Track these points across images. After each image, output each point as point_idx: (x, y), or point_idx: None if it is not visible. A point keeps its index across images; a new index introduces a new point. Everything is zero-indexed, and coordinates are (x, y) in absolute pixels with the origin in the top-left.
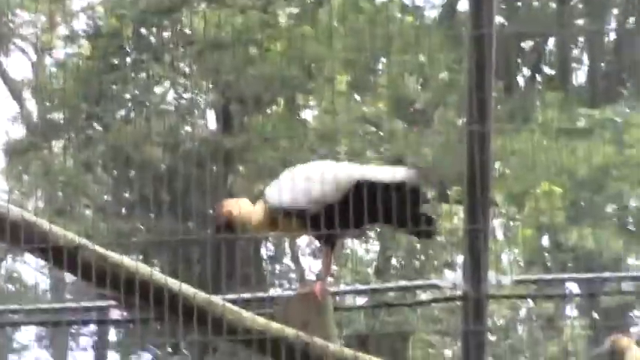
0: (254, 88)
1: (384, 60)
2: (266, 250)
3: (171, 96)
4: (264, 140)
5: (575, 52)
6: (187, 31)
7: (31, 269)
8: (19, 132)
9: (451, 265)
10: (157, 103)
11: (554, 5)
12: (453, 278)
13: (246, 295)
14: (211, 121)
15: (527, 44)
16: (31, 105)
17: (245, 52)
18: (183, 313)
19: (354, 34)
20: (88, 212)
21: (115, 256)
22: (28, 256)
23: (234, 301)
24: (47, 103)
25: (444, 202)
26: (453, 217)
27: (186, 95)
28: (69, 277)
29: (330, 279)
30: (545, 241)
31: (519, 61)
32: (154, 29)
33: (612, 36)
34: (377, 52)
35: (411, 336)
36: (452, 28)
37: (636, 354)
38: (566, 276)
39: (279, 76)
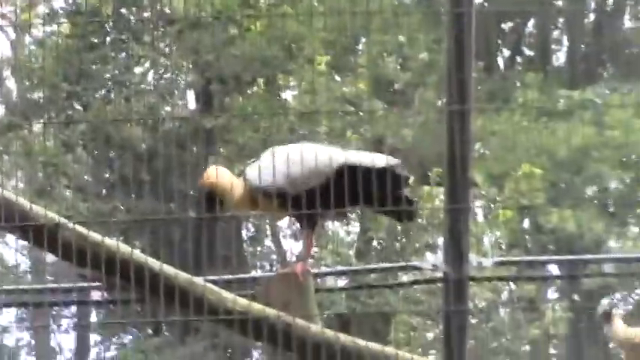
0: (234, 68)
1: (364, 40)
2: (246, 231)
3: (151, 76)
4: (244, 120)
5: (555, 33)
6: (167, 10)
7: (11, 250)
8: None
9: (432, 247)
10: (136, 83)
11: None
12: (433, 260)
13: (228, 277)
14: (191, 101)
15: (507, 25)
16: (11, 84)
17: (225, 31)
18: (164, 294)
19: (333, 14)
20: (68, 193)
21: (95, 235)
22: (9, 237)
23: (215, 282)
24: (27, 82)
25: (424, 183)
26: (434, 199)
27: (166, 75)
28: (49, 259)
29: (310, 260)
30: (526, 223)
31: (499, 42)
32: (134, 9)
33: (592, 17)
34: (357, 32)
35: (392, 318)
36: (431, 7)
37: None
38: (547, 258)
39: (259, 56)
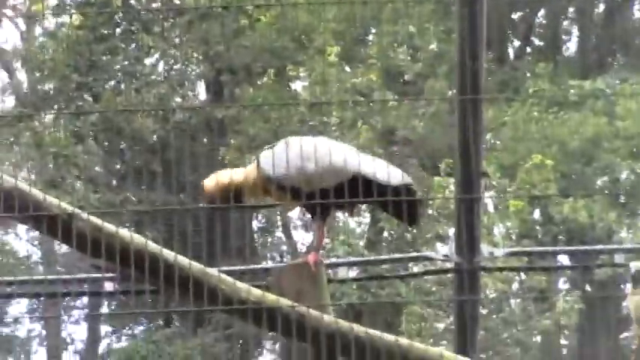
0: (244, 59)
1: (374, 31)
2: (257, 222)
3: (161, 67)
4: (254, 111)
5: (565, 23)
6: (177, 1)
7: (23, 241)
8: (8, 102)
9: (442, 238)
10: (147, 74)
11: None
12: (445, 250)
13: (241, 267)
14: (202, 92)
15: (517, 15)
16: (21, 75)
17: (235, 22)
18: (178, 284)
19: (344, 4)
20: (78, 184)
21: (109, 226)
22: (20, 228)
23: (229, 273)
24: (37, 74)
25: (434, 174)
26: (445, 190)
27: (176, 66)
28: (60, 250)
29: (322, 251)
30: (537, 213)
31: (509, 32)
32: (144, 0)
33: (602, 7)
34: (367, 23)
35: (403, 309)
36: None
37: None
38: (558, 248)
39: (270, 47)
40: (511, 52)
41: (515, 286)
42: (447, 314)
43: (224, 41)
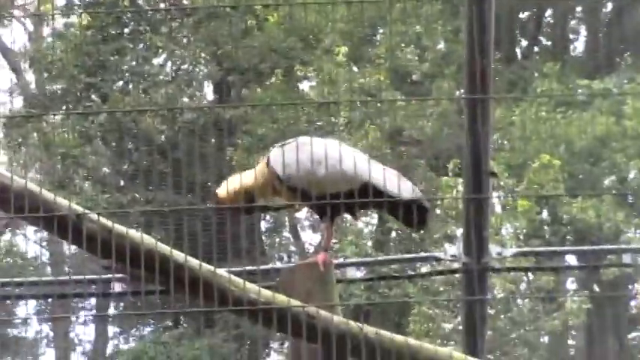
0: (252, 59)
1: (381, 31)
2: (265, 222)
3: (169, 67)
4: (262, 111)
5: (573, 22)
6: (185, 1)
7: (31, 242)
8: (16, 103)
9: (450, 238)
10: (154, 74)
11: None
12: (453, 250)
13: (250, 268)
14: (209, 92)
15: (525, 14)
16: (29, 76)
17: (243, 22)
18: (188, 285)
19: (352, 5)
20: (87, 184)
21: (119, 226)
22: (28, 229)
23: (237, 274)
24: (45, 74)
25: (442, 174)
26: (452, 190)
27: (184, 66)
28: (68, 251)
29: (330, 251)
30: (545, 213)
31: (517, 31)
32: (151, 0)
33: (610, 6)
34: (375, 22)
35: (410, 309)
36: None
37: None
38: (565, 248)
39: (277, 47)
40: (519, 51)
41: (522, 286)
42: (454, 314)
43: (232, 41)
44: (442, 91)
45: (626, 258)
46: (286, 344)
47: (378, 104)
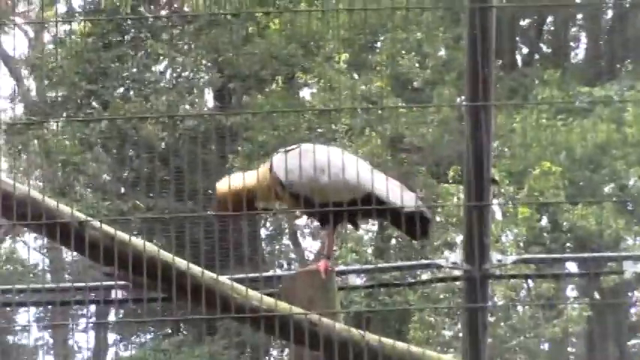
0: (253, 66)
1: (382, 38)
2: (265, 229)
3: (169, 74)
4: (263, 118)
5: (573, 30)
6: (186, 8)
7: (31, 249)
8: (17, 110)
9: (450, 245)
10: (155, 81)
11: None
12: (453, 258)
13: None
14: (210, 99)
15: (525, 22)
16: (30, 83)
17: (243, 29)
18: (191, 292)
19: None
20: (87, 191)
21: (121, 234)
22: (28, 236)
23: (238, 281)
24: (45, 81)
25: (442, 181)
26: (453, 197)
27: (184, 73)
28: (68, 258)
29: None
30: (545, 220)
31: (517, 39)
32: (152, 7)
33: (610, 14)
34: (376, 29)
35: (410, 317)
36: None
37: None
38: (566, 256)
39: (278, 54)
40: (519, 58)
41: (523, 293)
42: (454, 322)
43: (233, 48)
44: (443, 98)
45: (627, 265)
46: (286, 352)
47: (379, 111)
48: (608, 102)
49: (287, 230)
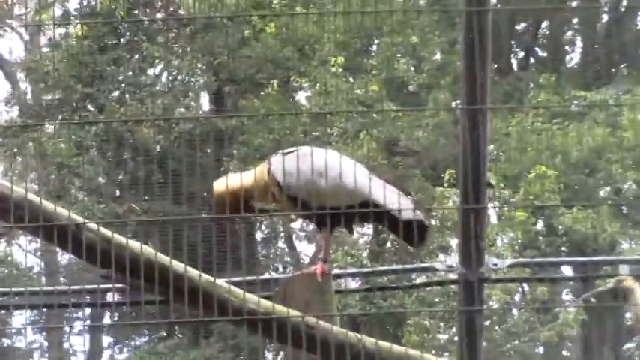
0: (248, 70)
1: (377, 41)
2: (260, 232)
3: (164, 77)
4: (257, 122)
5: (569, 34)
6: (181, 11)
7: (26, 252)
8: (12, 113)
9: (445, 249)
10: (150, 85)
11: None
12: (449, 261)
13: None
14: (205, 102)
15: (520, 26)
16: (25, 86)
17: (239, 32)
18: (188, 295)
19: (348, 15)
20: (82, 195)
21: (119, 237)
22: (22, 239)
23: (235, 284)
24: (41, 84)
25: (438, 185)
26: (448, 201)
27: (180, 77)
28: (63, 260)
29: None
30: (540, 224)
31: (513, 43)
32: (147, 10)
33: (605, 18)
34: (371, 33)
35: (405, 320)
36: (445, 7)
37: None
38: (561, 259)
39: (273, 58)
40: (515, 62)
41: (518, 297)
42: (449, 325)
43: (228, 52)
44: (438, 102)
45: (623, 269)
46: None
47: (374, 115)
48: (604, 106)
49: (282, 233)
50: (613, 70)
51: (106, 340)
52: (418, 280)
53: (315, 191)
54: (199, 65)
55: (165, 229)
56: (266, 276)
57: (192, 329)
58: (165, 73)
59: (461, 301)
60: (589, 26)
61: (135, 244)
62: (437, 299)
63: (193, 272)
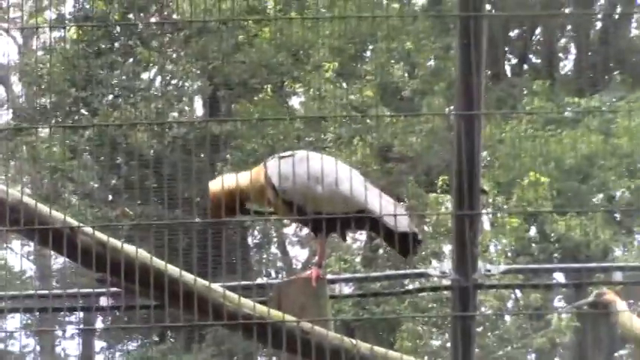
0: (241, 75)
1: (371, 47)
2: (253, 237)
3: (158, 82)
4: (251, 127)
5: (562, 41)
6: (175, 16)
7: (18, 256)
8: (5, 116)
9: (438, 255)
10: (144, 89)
11: None
12: (442, 267)
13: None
14: (199, 107)
15: (514, 32)
16: (18, 89)
17: (233, 37)
18: (183, 299)
19: (342, 21)
20: (74, 198)
21: (114, 241)
22: (15, 243)
23: (229, 289)
24: (34, 88)
25: (431, 191)
26: (441, 207)
27: (173, 81)
28: (56, 265)
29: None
30: (533, 231)
31: (506, 49)
32: (142, 14)
33: (599, 25)
34: (365, 39)
35: (397, 326)
36: (439, 13)
37: (620, 307)
38: (553, 266)
39: (267, 63)
40: (508, 69)
41: (510, 303)
42: (442, 331)
43: (222, 56)
44: (432, 108)
45: (616, 276)
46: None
47: (368, 120)
48: (597, 113)
49: (275, 238)
50: (607, 77)
51: (99, 344)
52: (411, 286)
53: (311, 196)
54: (193, 70)
55: (160, 233)
56: (262, 281)
57: (185, 334)
58: (159, 78)
59: (454, 307)
60: (583, 33)
61: (130, 248)
62: (430, 305)
63: (188, 277)
